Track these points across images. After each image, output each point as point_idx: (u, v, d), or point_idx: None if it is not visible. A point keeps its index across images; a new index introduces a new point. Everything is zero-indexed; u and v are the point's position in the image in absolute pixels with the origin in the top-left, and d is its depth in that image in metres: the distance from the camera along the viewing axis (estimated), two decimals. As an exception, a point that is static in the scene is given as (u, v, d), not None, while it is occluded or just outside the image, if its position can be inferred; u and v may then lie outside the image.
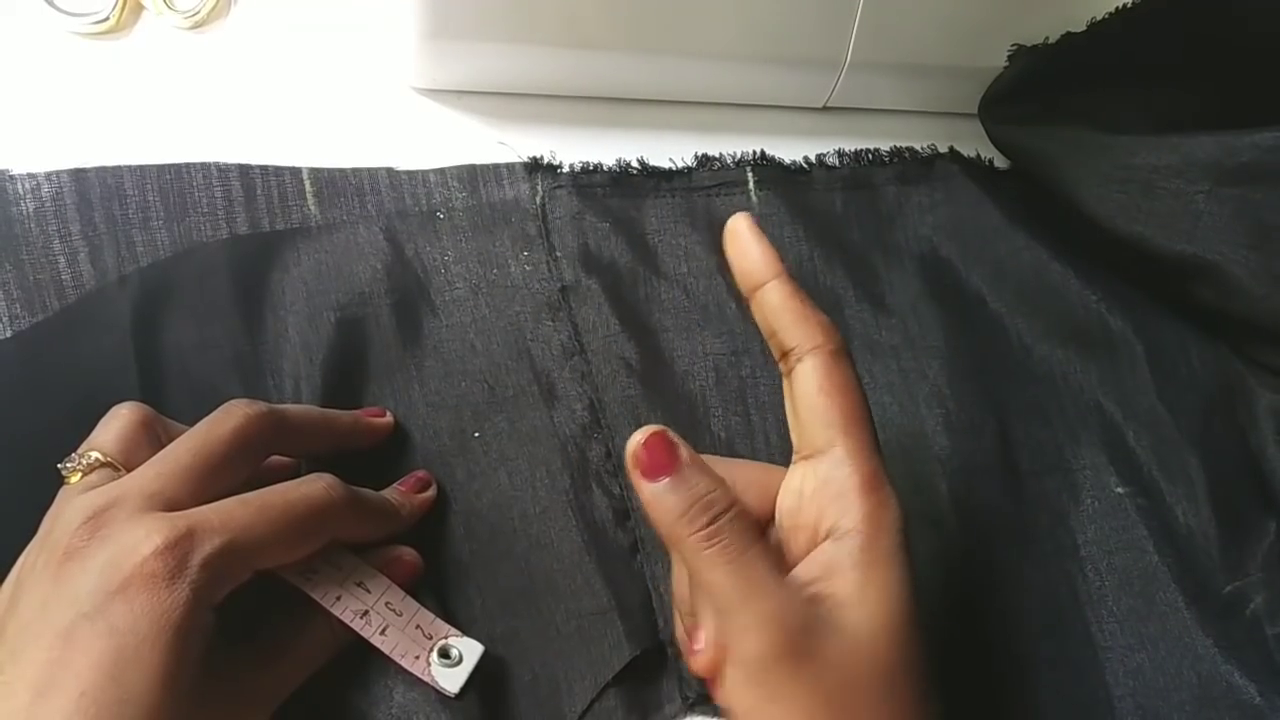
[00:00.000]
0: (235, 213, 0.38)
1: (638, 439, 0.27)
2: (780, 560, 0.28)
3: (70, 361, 0.34)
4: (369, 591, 0.31)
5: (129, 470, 0.28)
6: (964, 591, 0.38)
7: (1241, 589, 0.38)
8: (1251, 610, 0.38)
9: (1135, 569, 0.38)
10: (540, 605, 0.35)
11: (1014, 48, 0.45)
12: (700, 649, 0.27)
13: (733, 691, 0.26)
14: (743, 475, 0.29)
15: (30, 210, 0.35)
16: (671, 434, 0.27)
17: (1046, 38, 0.44)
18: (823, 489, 0.27)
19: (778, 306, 0.28)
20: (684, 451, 0.27)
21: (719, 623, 0.26)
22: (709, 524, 0.26)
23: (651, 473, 0.27)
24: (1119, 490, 0.40)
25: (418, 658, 0.31)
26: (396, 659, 0.30)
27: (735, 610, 0.26)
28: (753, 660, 0.25)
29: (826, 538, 0.27)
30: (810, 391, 0.27)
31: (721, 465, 0.28)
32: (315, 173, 0.39)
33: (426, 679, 0.31)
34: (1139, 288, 0.44)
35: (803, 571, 0.27)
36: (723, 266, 0.42)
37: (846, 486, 0.27)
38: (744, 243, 0.29)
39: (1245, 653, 0.36)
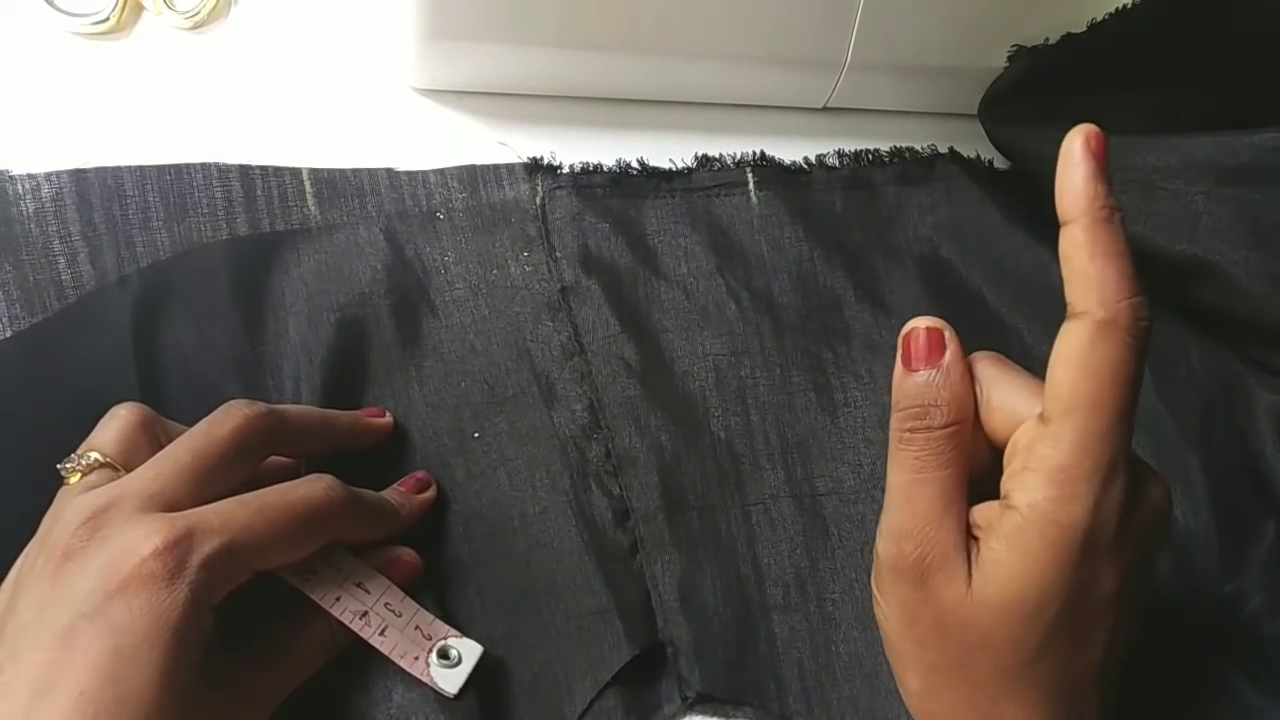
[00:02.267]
0: (235, 213, 0.38)
1: (916, 324, 0.28)
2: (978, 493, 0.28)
3: (70, 361, 0.34)
4: (368, 592, 0.31)
5: (128, 471, 0.28)
6: None
7: (1240, 589, 0.38)
8: (1250, 610, 0.38)
9: None
10: (540, 605, 0.35)
11: (1014, 48, 0.45)
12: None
13: (872, 579, 0.29)
14: (1006, 396, 0.28)
15: (30, 210, 0.35)
16: (949, 334, 0.28)
17: (1046, 38, 0.44)
18: (1027, 454, 0.26)
19: (1067, 254, 0.26)
20: (947, 356, 0.27)
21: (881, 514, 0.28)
22: (915, 429, 0.27)
23: (905, 360, 0.28)
24: None
25: (417, 658, 0.31)
26: (396, 659, 0.30)
27: (888, 510, 0.28)
28: (881, 561, 0.28)
29: (1006, 497, 0.26)
30: (1056, 358, 0.25)
31: (996, 377, 0.28)
32: (315, 173, 0.39)
33: (426, 679, 0.31)
34: (1139, 288, 0.44)
35: (978, 514, 0.27)
36: (723, 267, 0.42)
37: (1038, 466, 0.25)
38: (1069, 169, 0.26)
39: (1243, 653, 0.36)
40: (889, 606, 0.28)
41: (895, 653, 0.29)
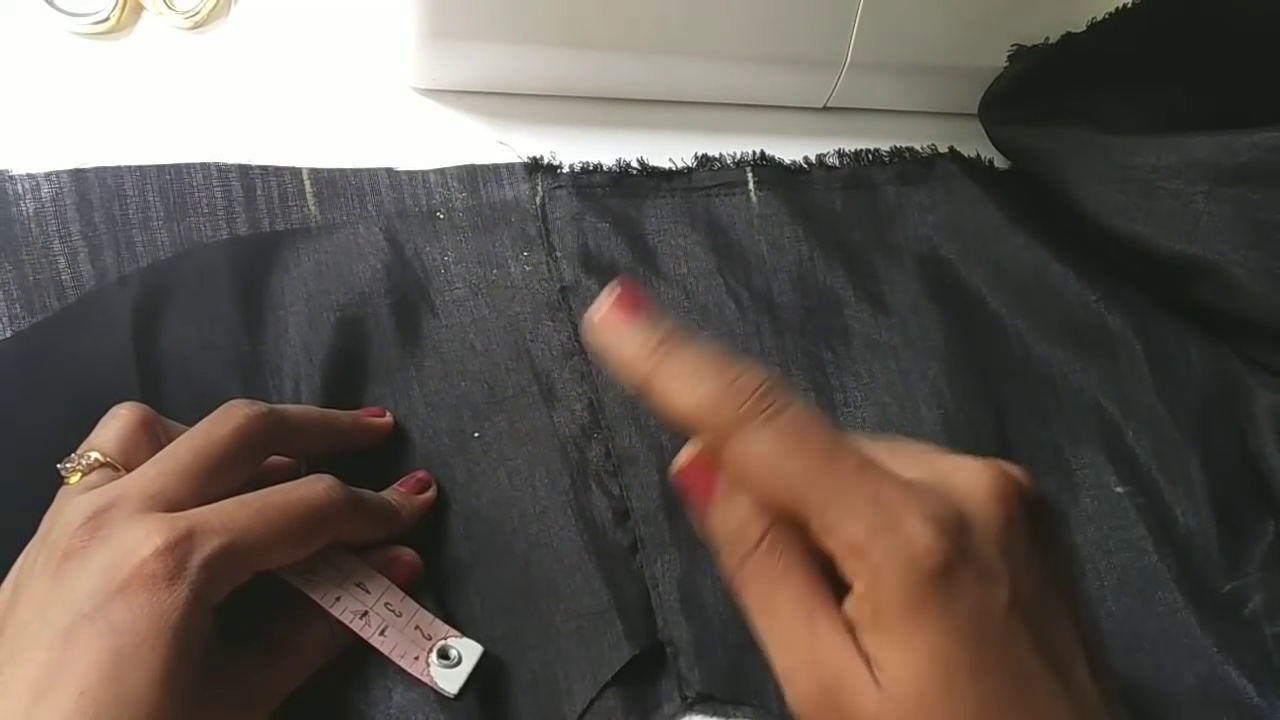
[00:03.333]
0: (235, 213, 0.38)
1: (678, 465, 0.26)
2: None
3: (70, 362, 0.34)
4: (368, 592, 0.31)
5: (128, 471, 0.28)
6: None
7: (1240, 589, 0.38)
8: (1250, 610, 0.38)
9: (1134, 568, 0.38)
10: (540, 605, 0.35)
11: (1014, 48, 0.45)
12: None
13: None
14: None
15: (30, 210, 0.35)
16: (705, 457, 0.25)
17: (1046, 38, 0.44)
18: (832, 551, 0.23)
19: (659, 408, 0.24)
20: (720, 482, 0.25)
21: None
22: (743, 559, 0.24)
23: (694, 500, 0.25)
24: (1118, 490, 0.40)
25: (417, 658, 0.31)
26: (396, 659, 0.30)
27: (771, 661, 0.24)
28: (797, 715, 0.24)
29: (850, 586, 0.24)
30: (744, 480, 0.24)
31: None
32: (315, 173, 0.39)
33: (425, 679, 0.31)
34: (1138, 288, 0.44)
35: (846, 613, 0.23)
36: (722, 267, 0.42)
37: (838, 552, 0.23)
38: (608, 342, 0.24)
39: (1244, 652, 0.36)
40: None
41: None
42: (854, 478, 0.22)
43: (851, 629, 0.23)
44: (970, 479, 0.24)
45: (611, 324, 0.24)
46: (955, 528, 0.22)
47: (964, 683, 0.22)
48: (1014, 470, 0.24)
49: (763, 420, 0.22)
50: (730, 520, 0.25)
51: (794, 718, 0.24)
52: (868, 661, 0.22)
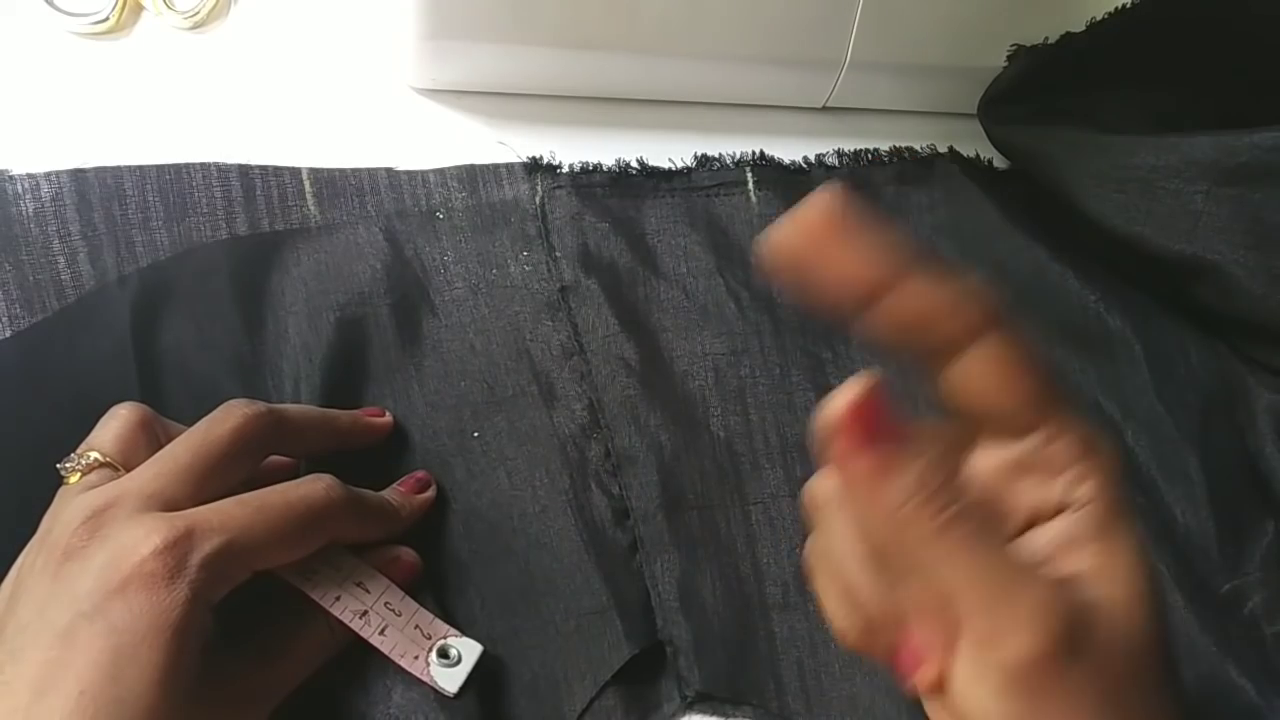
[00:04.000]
0: (235, 213, 0.38)
1: (843, 401, 0.20)
2: None
3: (70, 361, 0.34)
4: (368, 591, 0.31)
5: (128, 470, 0.28)
6: None
7: (1239, 588, 0.38)
8: (1249, 609, 0.38)
9: None
10: (539, 605, 0.35)
11: (1014, 48, 0.45)
12: (925, 659, 0.22)
13: (982, 703, 0.21)
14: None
15: (30, 210, 0.35)
16: (885, 389, 0.20)
17: (1046, 38, 0.44)
18: (1032, 466, 0.23)
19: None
20: (895, 421, 0.21)
21: (965, 624, 0.21)
22: (943, 509, 0.21)
23: (861, 445, 0.20)
24: None
25: (416, 657, 0.31)
26: (395, 659, 0.30)
27: (994, 606, 0.21)
28: (1024, 662, 0.21)
29: (1055, 515, 0.23)
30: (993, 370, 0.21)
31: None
32: (315, 173, 0.39)
33: (425, 679, 0.31)
34: (1138, 288, 0.44)
35: (1026, 555, 0.22)
36: (722, 266, 0.42)
37: (1071, 457, 0.22)
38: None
39: (1243, 652, 0.36)
40: (1071, 713, 0.21)
41: None
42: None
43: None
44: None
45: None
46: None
47: (1155, 591, 0.22)
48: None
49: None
50: (923, 466, 0.21)
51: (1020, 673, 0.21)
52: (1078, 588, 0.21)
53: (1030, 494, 0.23)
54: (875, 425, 0.20)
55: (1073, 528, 0.23)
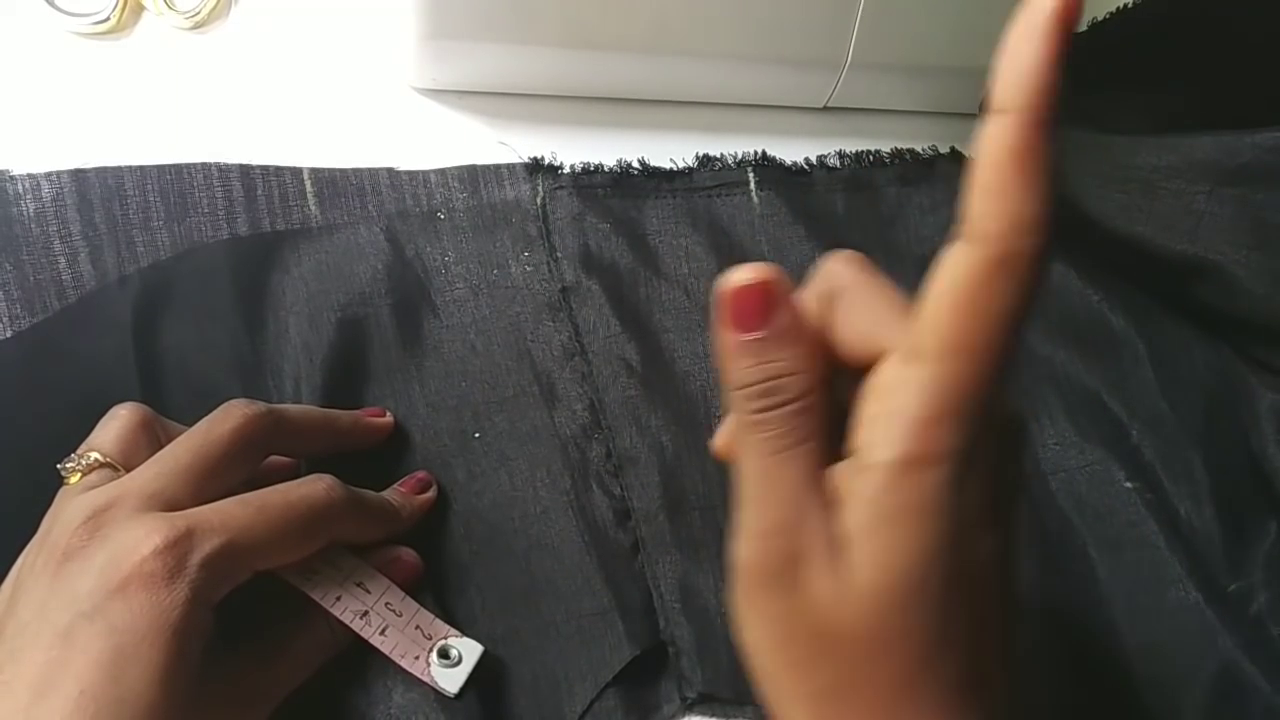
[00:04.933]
0: (235, 213, 0.38)
1: (734, 279, 0.22)
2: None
3: (70, 361, 0.34)
4: (369, 592, 0.30)
5: (128, 470, 0.28)
6: None
7: (1244, 589, 0.38)
8: (1255, 611, 0.38)
9: (1147, 563, 0.38)
10: (540, 605, 0.35)
11: (1014, 48, 0.45)
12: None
13: (731, 589, 0.23)
14: (865, 316, 0.24)
15: (30, 210, 0.35)
16: (777, 288, 0.22)
17: (1047, 38, 0.44)
18: (886, 396, 0.21)
19: (987, 154, 0.20)
20: (780, 318, 0.22)
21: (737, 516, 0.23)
22: (764, 410, 0.22)
23: (735, 322, 0.22)
24: (1128, 484, 0.40)
25: (417, 658, 0.31)
26: (396, 659, 0.30)
27: (746, 507, 0.22)
28: (745, 570, 0.23)
29: (861, 451, 0.22)
30: (940, 290, 0.21)
31: (855, 289, 0.24)
32: (316, 173, 0.39)
33: (426, 679, 0.30)
34: (1140, 287, 0.44)
35: (832, 481, 0.22)
36: (724, 267, 0.41)
37: (900, 414, 0.21)
38: (1025, 39, 0.21)
39: (1256, 652, 0.36)
40: (756, 627, 0.23)
41: (772, 683, 0.23)
42: (1003, 372, 0.21)
43: (832, 502, 0.22)
44: (1019, 432, 0.24)
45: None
46: (1005, 468, 0.22)
47: (928, 608, 0.21)
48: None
49: (1029, 265, 0.20)
50: (772, 365, 0.22)
51: (743, 568, 0.23)
52: (850, 544, 0.21)
53: (871, 422, 0.22)
54: (756, 311, 0.22)
55: (855, 480, 0.22)
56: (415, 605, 0.31)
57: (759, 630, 0.23)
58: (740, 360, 0.23)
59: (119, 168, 0.36)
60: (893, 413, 0.21)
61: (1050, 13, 0.20)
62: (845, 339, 0.23)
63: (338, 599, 0.30)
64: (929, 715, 0.21)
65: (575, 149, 0.42)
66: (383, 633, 0.30)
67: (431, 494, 0.35)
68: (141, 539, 0.25)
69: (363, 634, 0.30)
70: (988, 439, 0.21)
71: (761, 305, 0.22)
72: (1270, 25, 0.41)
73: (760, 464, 0.22)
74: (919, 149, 0.47)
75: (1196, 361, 0.43)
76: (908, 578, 0.21)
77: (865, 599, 0.21)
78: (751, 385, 0.22)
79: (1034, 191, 0.20)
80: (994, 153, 0.20)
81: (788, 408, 0.22)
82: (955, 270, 0.20)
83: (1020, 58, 0.20)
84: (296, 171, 0.39)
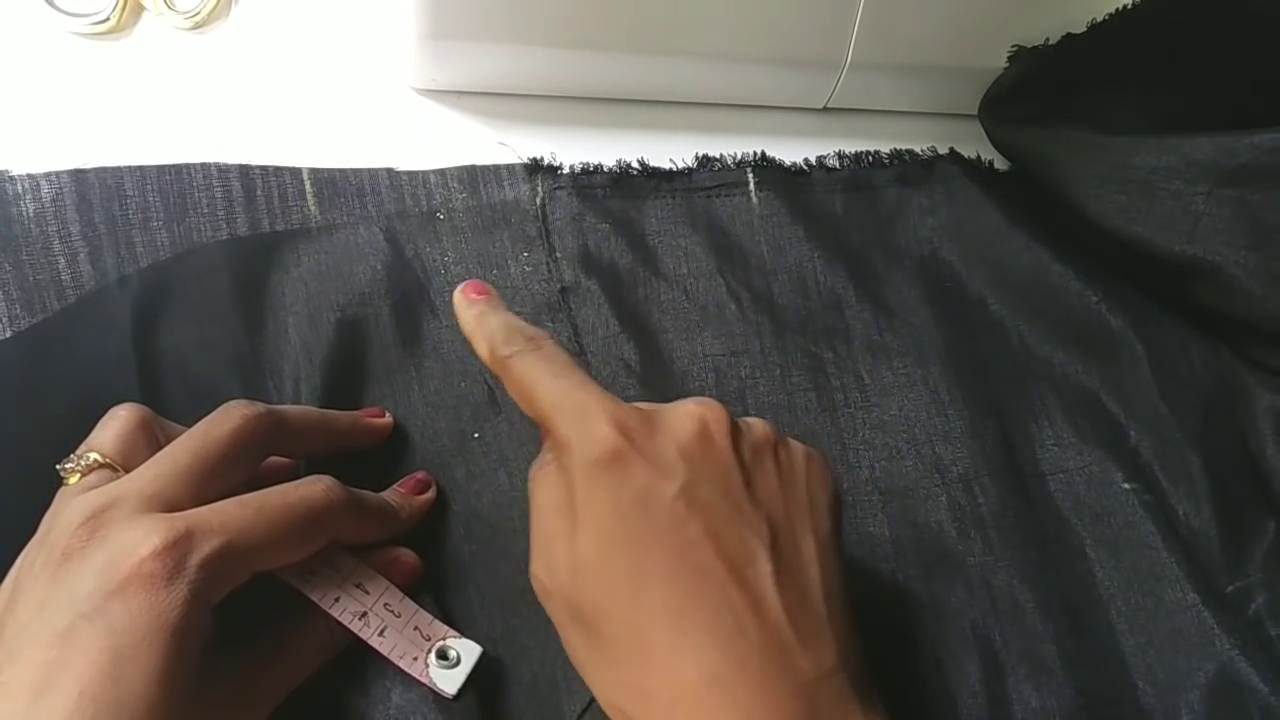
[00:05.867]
0: (235, 213, 0.38)
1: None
2: None
3: (70, 362, 0.34)
4: (367, 593, 0.30)
5: (128, 471, 0.28)
6: (974, 599, 0.37)
7: (1243, 589, 0.38)
8: (1253, 611, 0.38)
9: (1143, 565, 0.38)
10: (539, 605, 0.35)
11: (1014, 49, 0.45)
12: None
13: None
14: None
15: (30, 211, 0.35)
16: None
17: (1046, 38, 0.44)
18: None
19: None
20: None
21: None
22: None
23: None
24: (1125, 486, 0.40)
25: (416, 659, 0.31)
26: (394, 660, 0.30)
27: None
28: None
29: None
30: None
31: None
32: (315, 173, 0.39)
33: (424, 680, 0.30)
34: (1139, 288, 0.44)
35: None
36: (723, 267, 0.42)
37: (555, 444, 0.28)
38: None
39: (1253, 652, 0.36)
40: (558, 630, 0.29)
41: (576, 664, 0.28)
42: (571, 390, 0.28)
43: None
44: (680, 405, 0.28)
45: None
46: (637, 429, 0.27)
47: (620, 550, 0.26)
48: (723, 409, 0.28)
49: (521, 352, 0.29)
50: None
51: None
52: (573, 540, 0.26)
53: None
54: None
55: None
56: (414, 606, 0.31)
57: (560, 631, 0.28)
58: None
59: (118, 168, 0.36)
60: (563, 448, 0.28)
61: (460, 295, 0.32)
62: None
63: (336, 600, 0.30)
64: (667, 642, 0.25)
65: (575, 149, 0.42)
66: (381, 634, 0.30)
67: (431, 495, 0.35)
68: (140, 540, 0.25)
69: (361, 635, 0.30)
70: (648, 434, 0.27)
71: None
72: (1270, 25, 0.41)
73: (532, 514, 0.29)
74: (918, 149, 0.47)
75: (1195, 362, 0.43)
76: (599, 541, 0.26)
77: (580, 560, 0.26)
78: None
79: (486, 338, 0.31)
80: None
81: (541, 470, 0.29)
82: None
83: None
84: (296, 172, 0.39)
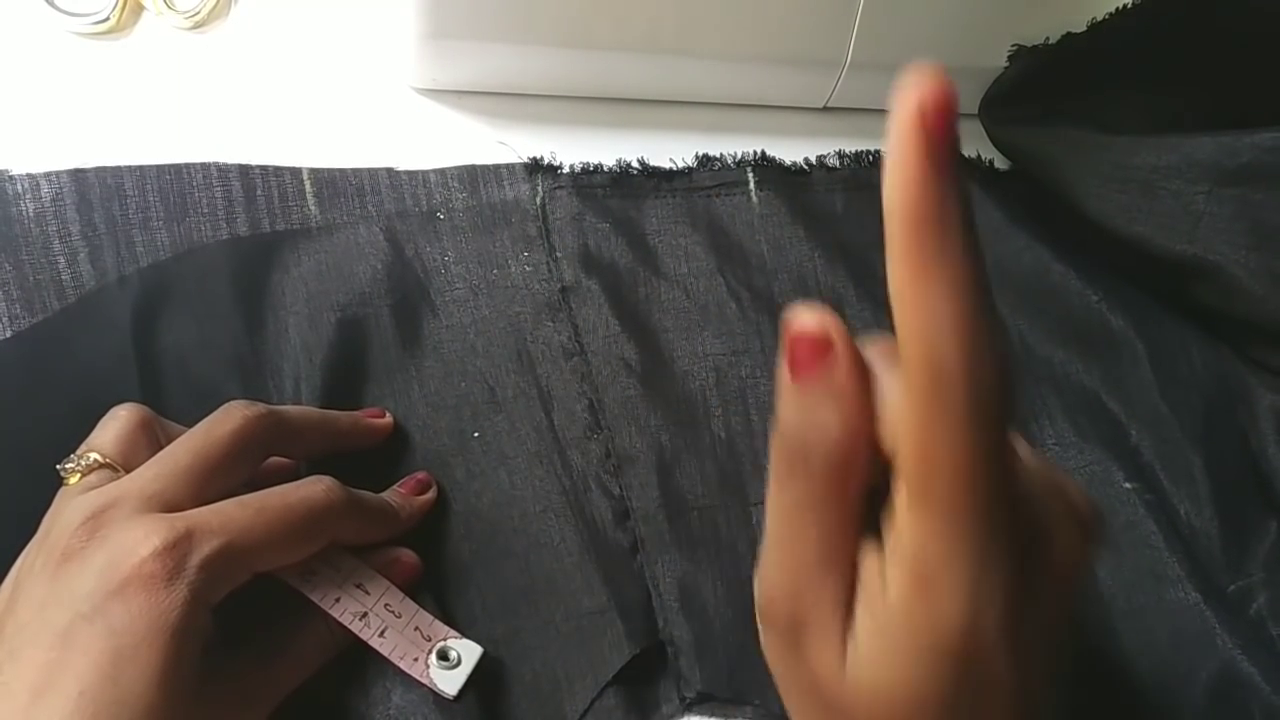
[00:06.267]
0: (235, 213, 0.38)
1: (798, 321, 0.21)
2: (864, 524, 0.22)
3: (70, 362, 0.34)
4: (368, 593, 0.30)
5: (128, 471, 0.28)
6: None
7: (1244, 589, 0.38)
8: (1255, 610, 0.38)
9: (1145, 565, 0.38)
10: (540, 605, 0.35)
11: (1014, 48, 0.45)
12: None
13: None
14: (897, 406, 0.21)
15: (30, 210, 0.35)
16: (836, 342, 0.21)
17: (1046, 38, 0.44)
18: (896, 530, 0.21)
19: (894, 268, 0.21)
20: (832, 374, 0.21)
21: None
22: (794, 459, 0.22)
23: (788, 363, 0.22)
24: (1127, 485, 0.40)
25: (416, 659, 0.31)
26: (395, 661, 0.30)
27: (765, 545, 0.22)
28: (756, 603, 0.23)
29: (888, 553, 0.21)
30: (896, 421, 0.21)
31: (888, 376, 0.22)
32: (315, 173, 0.39)
33: (425, 681, 0.30)
34: (1139, 288, 0.44)
35: (864, 566, 0.22)
36: (723, 267, 0.42)
37: (899, 550, 0.21)
38: (899, 147, 0.20)
39: (1255, 652, 0.36)
40: (768, 650, 0.24)
41: (781, 691, 0.25)
42: (997, 502, 0.20)
43: (855, 580, 0.22)
44: (1069, 538, 0.22)
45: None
46: (1032, 593, 0.21)
47: (928, 714, 0.21)
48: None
49: (973, 391, 0.19)
50: (811, 417, 0.21)
51: (756, 600, 0.24)
52: (849, 627, 0.22)
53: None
54: (807, 359, 0.21)
55: (872, 576, 0.22)
56: (414, 606, 0.31)
57: (770, 653, 0.24)
58: (786, 399, 0.22)
59: (118, 168, 0.36)
60: (898, 553, 0.21)
61: (917, 125, 0.19)
62: (883, 433, 0.22)
63: (337, 600, 0.30)
64: None
65: (575, 149, 0.42)
66: (382, 634, 0.30)
67: (431, 495, 0.35)
68: (141, 540, 0.25)
69: (362, 635, 0.30)
70: (993, 578, 0.20)
71: (813, 354, 0.21)
72: (1270, 26, 0.41)
73: (784, 512, 0.22)
74: (919, 149, 0.46)
75: (1196, 362, 0.43)
76: (899, 701, 0.21)
77: (860, 695, 0.21)
78: (789, 430, 0.22)
79: (941, 302, 0.19)
80: (892, 260, 0.20)
81: (817, 465, 0.21)
82: (902, 411, 0.20)
83: (898, 168, 0.19)
84: (296, 171, 0.39)
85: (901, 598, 0.20)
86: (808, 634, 0.22)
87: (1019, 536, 0.20)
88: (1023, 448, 0.22)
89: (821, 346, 0.21)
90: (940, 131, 0.18)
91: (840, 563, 0.22)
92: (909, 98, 0.19)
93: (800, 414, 0.21)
